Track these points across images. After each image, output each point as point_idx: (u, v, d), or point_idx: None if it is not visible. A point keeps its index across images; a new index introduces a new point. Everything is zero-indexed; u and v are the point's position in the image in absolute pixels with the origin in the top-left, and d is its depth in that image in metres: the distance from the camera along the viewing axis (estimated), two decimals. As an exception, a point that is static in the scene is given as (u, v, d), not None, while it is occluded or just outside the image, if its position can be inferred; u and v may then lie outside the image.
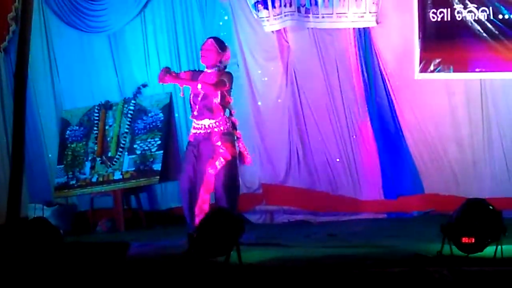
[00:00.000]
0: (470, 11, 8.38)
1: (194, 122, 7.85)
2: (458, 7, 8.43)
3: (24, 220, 8.70)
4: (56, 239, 6.58)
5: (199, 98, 7.77)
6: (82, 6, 10.11)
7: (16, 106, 7.67)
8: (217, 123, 7.77)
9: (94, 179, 9.89)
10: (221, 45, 7.85)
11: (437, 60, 8.59)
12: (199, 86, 7.74)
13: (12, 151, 7.76)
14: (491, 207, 6.23)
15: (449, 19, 8.50)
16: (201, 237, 6.51)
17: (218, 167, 7.65)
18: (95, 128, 10.07)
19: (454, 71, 8.58)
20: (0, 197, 9.71)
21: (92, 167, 9.94)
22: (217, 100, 7.73)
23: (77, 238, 9.05)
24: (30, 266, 6.18)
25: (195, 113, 7.81)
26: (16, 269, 6.09)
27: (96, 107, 10.13)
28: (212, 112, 7.76)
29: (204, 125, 7.79)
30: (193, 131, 7.87)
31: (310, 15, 9.00)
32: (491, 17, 8.34)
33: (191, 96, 7.85)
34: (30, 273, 6.01)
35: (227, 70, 7.89)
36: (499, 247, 6.03)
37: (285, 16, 9.12)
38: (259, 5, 9.22)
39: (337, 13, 8.87)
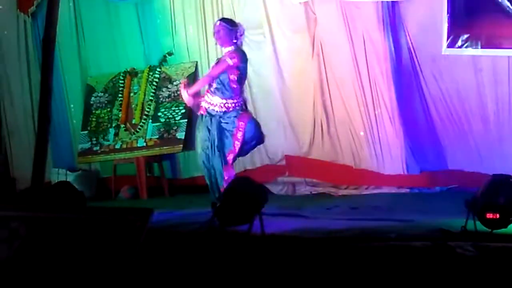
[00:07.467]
0: (500, -13, 8.33)
1: None
2: (488, -17, 8.37)
3: (48, 184, 8.74)
4: (81, 203, 6.62)
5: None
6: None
7: (43, 71, 7.65)
8: None
9: (117, 146, 9.92)
10: (231, 23, 7.94)
11: (465, 36, 8.52)
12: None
13: (38, 115, 7.76)
14: (516, 184, 6.22)
15: (478, -5, 8.45)
16: (224, 205, 6.53)
17: None
18: (119, 95, 10.08)
19: (482, 47, 8.51)
20: (25, 161, 9.77)
21: (116, 134, 9.97)
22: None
23: (99, 204, 9.10)
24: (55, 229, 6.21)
25: None
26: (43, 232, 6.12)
27: (122, 74, 10.15)
28: None
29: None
30: None
31: (338, -13, 8.96)
32: (522, -6, 8.28)
33: None
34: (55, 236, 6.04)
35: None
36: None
37: (313, -13, 9.09)
38: (288, -24, 9.19)
39: (365, -14, 8.83)
